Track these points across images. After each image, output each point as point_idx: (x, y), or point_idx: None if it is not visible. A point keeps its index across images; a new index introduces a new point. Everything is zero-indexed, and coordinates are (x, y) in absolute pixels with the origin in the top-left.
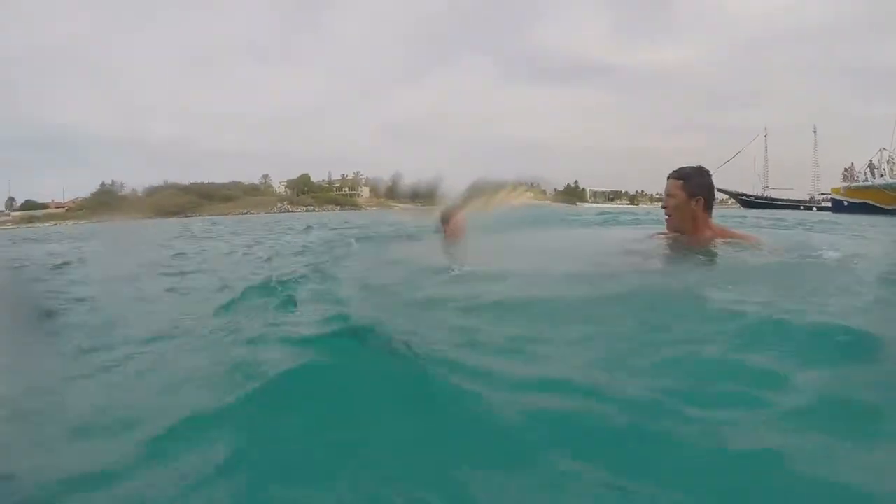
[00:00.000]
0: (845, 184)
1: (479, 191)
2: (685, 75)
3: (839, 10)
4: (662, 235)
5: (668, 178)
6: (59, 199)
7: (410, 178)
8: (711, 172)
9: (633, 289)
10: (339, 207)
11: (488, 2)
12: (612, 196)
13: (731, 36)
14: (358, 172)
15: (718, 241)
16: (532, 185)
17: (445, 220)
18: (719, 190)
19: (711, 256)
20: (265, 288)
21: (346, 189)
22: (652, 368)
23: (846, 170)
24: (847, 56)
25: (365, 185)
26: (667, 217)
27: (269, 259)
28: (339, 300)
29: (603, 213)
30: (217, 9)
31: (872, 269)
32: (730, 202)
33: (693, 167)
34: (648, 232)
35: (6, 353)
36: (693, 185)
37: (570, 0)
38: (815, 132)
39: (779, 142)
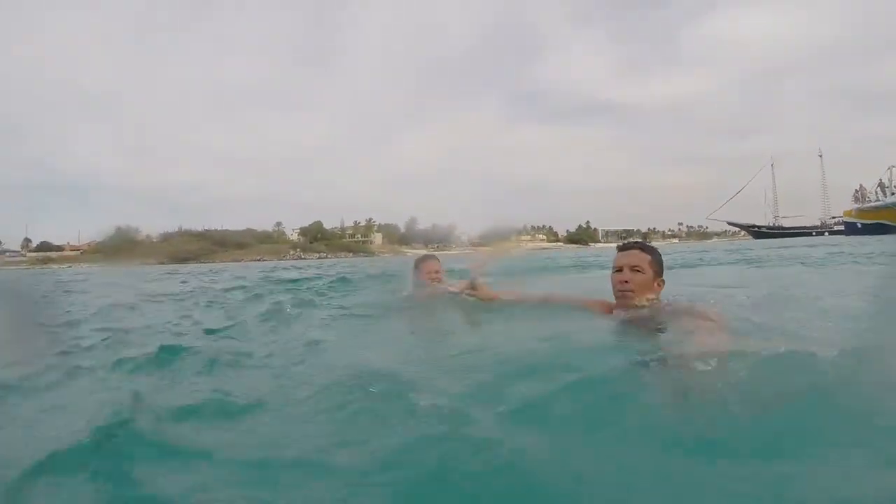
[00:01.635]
0: (857, 205)
1: (493, 236)
2: (689, 109)
3: (836, 34)
4: (622, 311)
5: (629, 248)
6: (74, 242)
7: (424, 223)
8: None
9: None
10: (351, 254)
11: (496, 44)
12: (625, 235)
13: (732, 68)
14: (370, 219)
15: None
16: (544, 228)
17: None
18: (730, 224)
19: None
20: None
21: (359, 236)
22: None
23: (857, 191)
24: (846, 78)
25: (377, 232)
26: (630, 292)
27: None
28: None
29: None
30: (226, 52)
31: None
32: (741, 234)
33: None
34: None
35: None
36: (659, 262)
37: (576, 39)
38: (820, 157)
39: (786, 170)
